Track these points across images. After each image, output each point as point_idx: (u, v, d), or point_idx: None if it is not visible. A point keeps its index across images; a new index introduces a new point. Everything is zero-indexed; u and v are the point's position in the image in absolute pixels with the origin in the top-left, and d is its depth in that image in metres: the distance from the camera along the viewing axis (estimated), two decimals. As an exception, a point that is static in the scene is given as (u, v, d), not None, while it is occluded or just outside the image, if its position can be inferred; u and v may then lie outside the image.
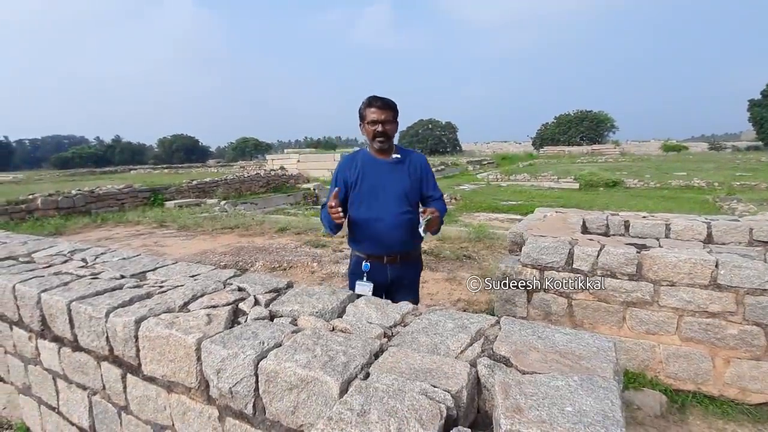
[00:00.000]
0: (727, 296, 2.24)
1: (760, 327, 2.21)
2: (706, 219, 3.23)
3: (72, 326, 1.60)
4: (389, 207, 1.93)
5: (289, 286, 1.73)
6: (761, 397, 2.25)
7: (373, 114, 1.89)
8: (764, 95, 39.11)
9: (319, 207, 2.12)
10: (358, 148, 2.20)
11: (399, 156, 2.00)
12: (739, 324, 2.24)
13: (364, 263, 1.98)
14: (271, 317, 1.45)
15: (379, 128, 1.90)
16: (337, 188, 1.89)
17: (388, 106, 1.91)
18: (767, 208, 7.94)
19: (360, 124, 1.98)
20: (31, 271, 2.00)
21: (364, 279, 1.95)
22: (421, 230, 1.83)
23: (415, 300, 2.04)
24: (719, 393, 2.33)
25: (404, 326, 1.35)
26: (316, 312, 1.44)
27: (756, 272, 2.19)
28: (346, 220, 2.00)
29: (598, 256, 2.52)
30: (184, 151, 62.70)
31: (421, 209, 1.86)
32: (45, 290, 1.72)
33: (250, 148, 63.46)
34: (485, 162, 28.95)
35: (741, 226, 3.07)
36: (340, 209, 1.79)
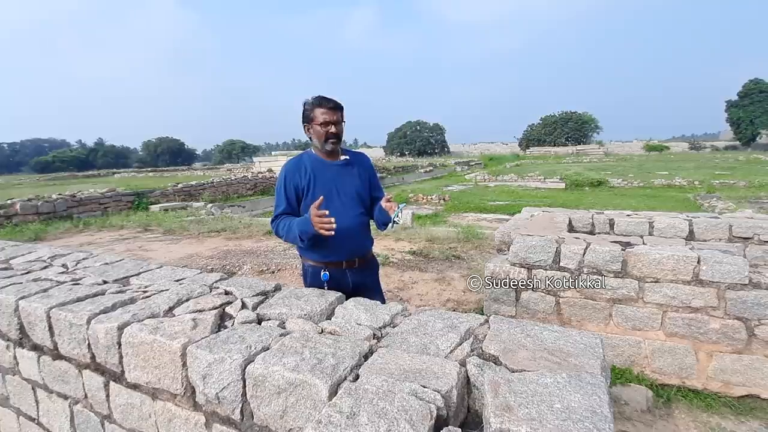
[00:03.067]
0: (709, 291, 2.29)
1: (741, 321, 2.26)
2: (687, 217, 3.31)
3: (52, 334, 1.56)
4: (346, 210, 1.86)
5: (277, 288, 1.70)
6: (743, 389, 2.30)
7: (324, 115, 1.82)
8: (741, 96, 40.35)
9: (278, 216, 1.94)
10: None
11: (348, 157, 1.95)
12: (720, 318, 2.29)
13: (322, 272, 1.89)
14: (259, 321, 1.43)
15: (332, 129, 1.82)
16: (321, 197, 1.73)
17: (338, 106, 1.85)
18: (746, 205, 8.18)
19: (305, 126, 1.89)
20: (8, 278, 1.93)
21: (326, 289, 1.86)
22: (398, 219, 1.78)
23: (382, 300, 1.99)
24: (703, 386, 2.38)
25: (394, 327, 1.35)
26: (305, 314, 1.42)
27: (736, 267, 2.25)
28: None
29: (584, 254, 2.55)
30: (170, 154, 61.75)
31: (384, 203, 1.81)
32: (23, 297, 1.66)
33: (237, 151, 62.85)
34: (473, 163, 29.20)
35: (721, 223, 3.16)
36: (333, 219, 1.64)
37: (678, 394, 2.38)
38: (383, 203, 1.82)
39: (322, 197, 1.72)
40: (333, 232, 1.65)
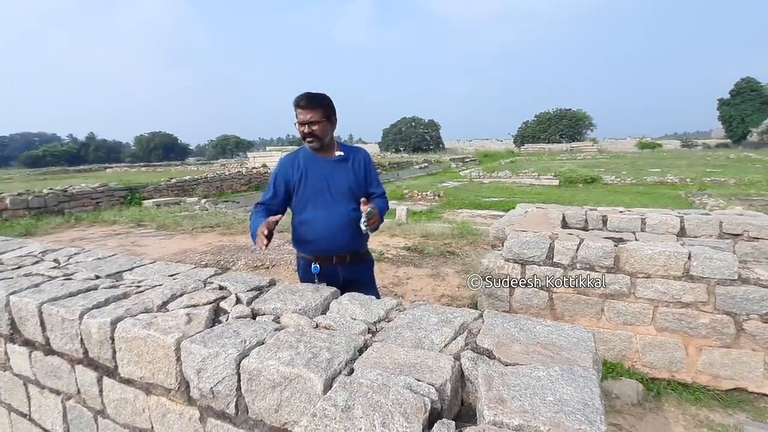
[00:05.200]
0: (699, 287, 2.33)
1: (730, 316, 2.30)
2: (679, 213, 3.34)
3: (44, 329, 1.54)
4: (335, 206, 1.86)
5: (272, 283, 1.70)
6: (731, 383, 2.35)
7: (299, 115, 1.81)
8: (732, 94, 40.72)
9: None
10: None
11: (342, 153, 1.94)
12: (710, 313, 2.33)
13: (313, 265, 1.91)
14: (254, 315, 1.43)
15: (306, 129, 1.81)
16: (279, 216, 1.80)
17: (313, 104, 1.81)
18: (736, 202, 8.28)
19: (295, 123, 1.90)
20: (-2, 272, 1.91)
21: (316, 281, 1.87)
22: (362, 226, 1.77)
23: (377, 296, 2.01)
24: (692, 380, 2.42)
25: (388, 321, 1.35)
26: (299, 309, 1.43)
27: (726, 263, 2.28)
28: (291, 221, 1.99)
29: (577, 250, 2.57)
30: (163, 148, 61.16)
31: (362, 200, 1.81)
32: (14, 292, 1.65)
33: (231, 146, 62.45)
34: (468, 159, 29.24)
35: (712, 219, 3.20)
36: (266, 241, 1.72)
37: (668, 388, 2.41)
38: (362, 206, 1.80)
39: (274, 218, 1.76)
40: (264, 249, 1.73)
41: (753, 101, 39.03)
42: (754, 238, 3.09)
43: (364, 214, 1.76)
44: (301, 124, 1.82)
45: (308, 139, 1.85)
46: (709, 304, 2.33)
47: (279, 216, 1.82)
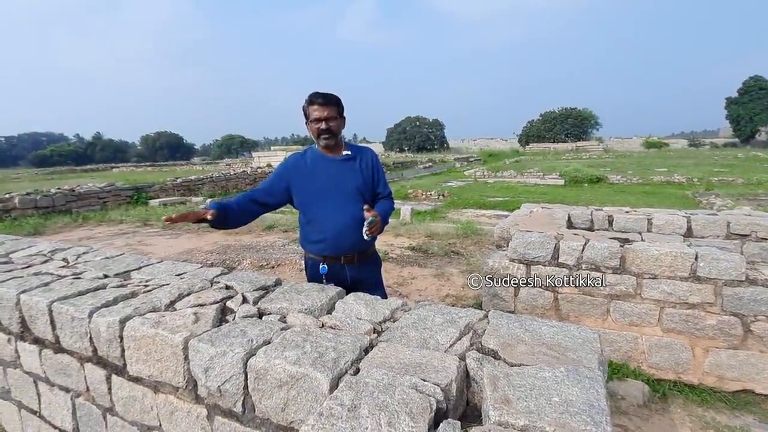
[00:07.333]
0: (706, 288, 2.31)
1: (737, 317, 2.28)
2: (686, 213, 3.32)
3: (53, 327, 1.57)
4: (343, 206, 1.87)
5: (278, 283, 1.72)
6: (738, 384, 2.33)
7: (315, 111, 1.82)
8: (741, 93, 40.27)
9: (254, 187, 2.02)
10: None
11: (349, 153, 1.94)
12: (717, 314, 2.31)
13: (321, 266, 1.92)
14: (260, 315, 1.44)
15: (323, 125, 1.83)
16: (212, 215, 1.71)
17: (330, 102, 1.83)
18: (744, 202, 8.20)
19: (305, 123, 1.90)
20: (9, 271, 1.94)
21: (324, 282, 1.87)
22: (365, 235, 1.77)
23: (383, 296, 2.02)
24: (699, 381, 2.40)
25: (393, 321, 1.36)
26: (305, 309, 1.44)
27: (733, 264, 2.26)
28: (298, 221, 2.01)
29: (583, 250, 2.56)
30: (168, 148, 61.59)
31: (365, 208, 1.80)
32: (24, 291, 1.67)
33: (236, 146, 62.76)
34: (472, 159, 29.14)
35: (719, 220, 3.17)
36: (174, 221, 1.65)
37: (674, 389, 2.40)
38: (365, 213, 1.79)
39: (210, 215, 1.70)
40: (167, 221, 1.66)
41: (761, 100, 38.57)
42: (762, 238, 3.06)
43: (366, 223, 1.76)
44: (318, 120, 1.83)
45: (324, 136, 1.85)
46: (716, 305, 2.31)
47: (212, 215, 1.71)
